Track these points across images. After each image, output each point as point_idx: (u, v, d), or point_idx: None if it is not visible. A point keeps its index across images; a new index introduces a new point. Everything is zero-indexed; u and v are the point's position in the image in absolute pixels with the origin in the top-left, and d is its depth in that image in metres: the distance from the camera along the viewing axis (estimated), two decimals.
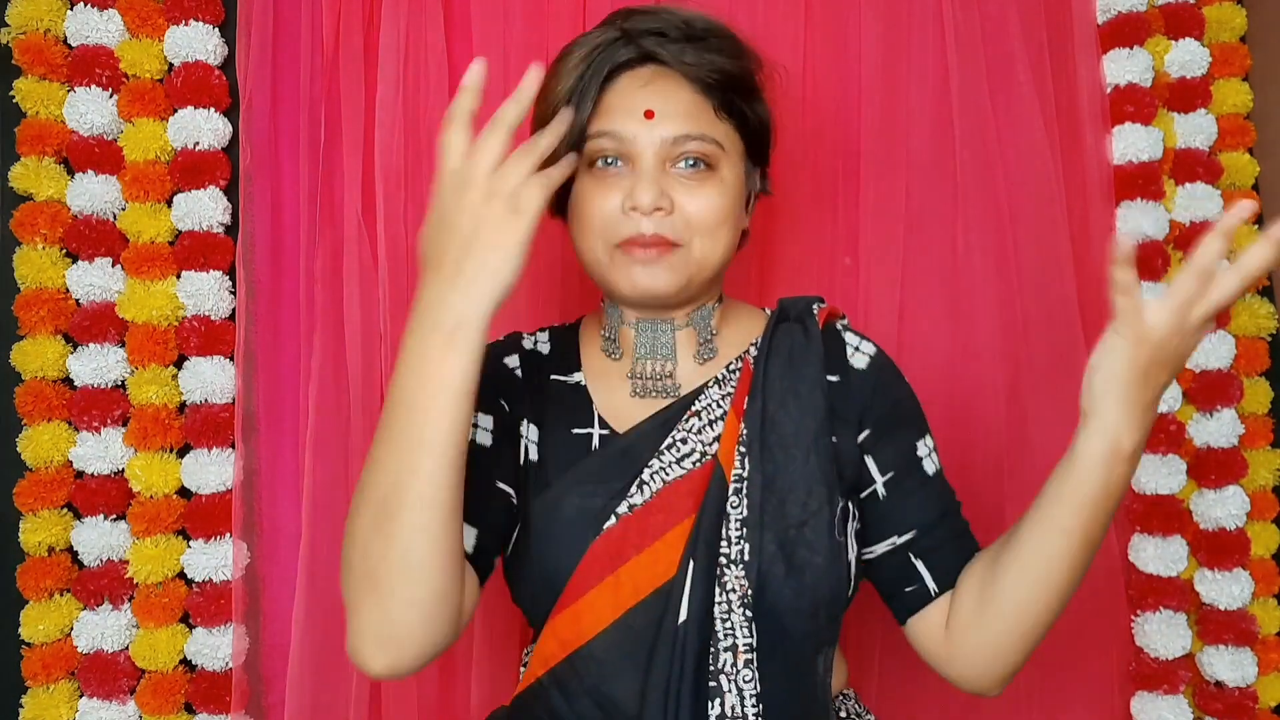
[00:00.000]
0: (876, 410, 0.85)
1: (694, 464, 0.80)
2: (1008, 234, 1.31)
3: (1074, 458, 0.73)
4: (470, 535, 0.79)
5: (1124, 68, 1.35)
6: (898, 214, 1.30)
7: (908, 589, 0.84)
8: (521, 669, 0.89)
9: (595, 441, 0.84)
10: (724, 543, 0.78)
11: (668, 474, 0.80)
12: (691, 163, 0.81)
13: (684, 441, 0.81)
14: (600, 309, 0.93)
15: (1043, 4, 1.36)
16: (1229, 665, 1.27)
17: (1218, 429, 1.31)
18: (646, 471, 0.80)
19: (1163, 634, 1.27)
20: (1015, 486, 1.27)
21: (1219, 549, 1.29)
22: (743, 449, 0.80)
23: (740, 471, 0.79)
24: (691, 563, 0.76)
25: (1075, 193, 1.35)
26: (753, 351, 0.86)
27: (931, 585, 0.83)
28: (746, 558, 0.77)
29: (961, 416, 1.26)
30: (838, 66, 1.32)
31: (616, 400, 0.86)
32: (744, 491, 0.79)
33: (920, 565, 0.83)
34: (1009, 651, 0.78)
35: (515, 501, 0.83)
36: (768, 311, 0.93)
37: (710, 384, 0.84)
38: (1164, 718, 1.27)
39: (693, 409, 0.83)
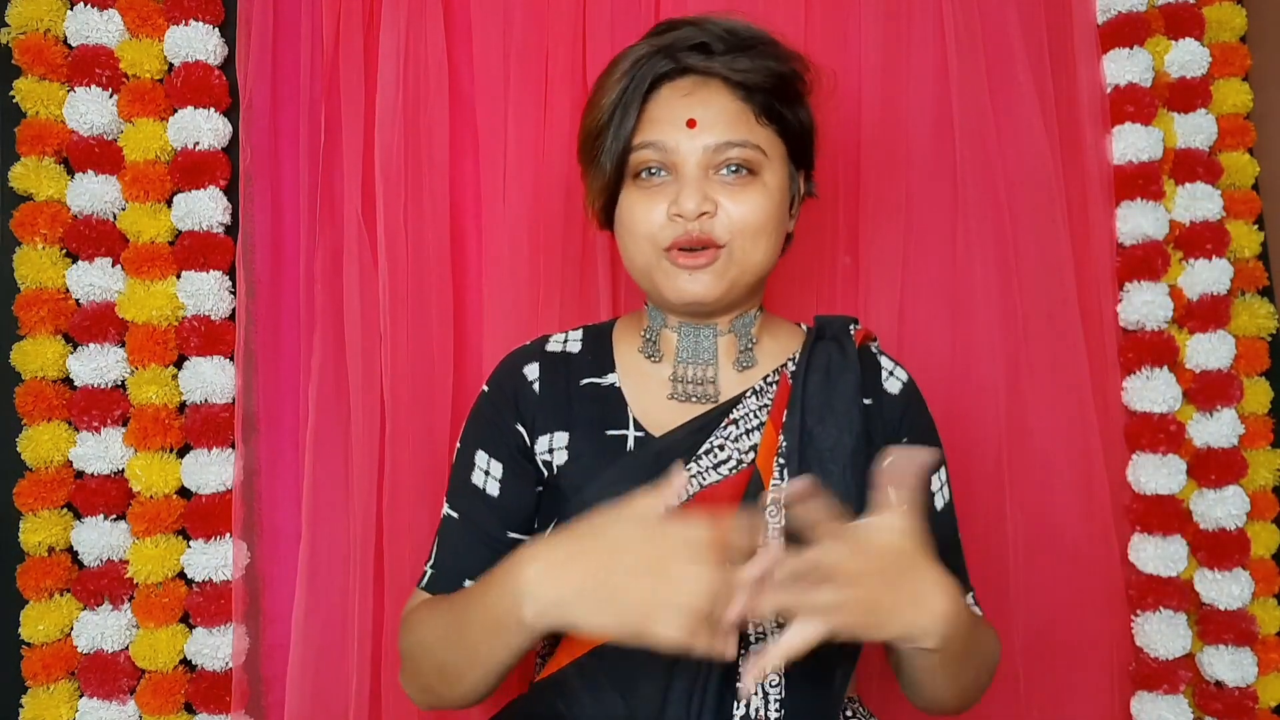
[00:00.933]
0: (902, 439, 0.87)
1: (730, 471, 0.82)
2: (1008, 234, 1.31)
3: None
4: None
5: (1124, 68, 1.35)
6: (898, 214, 1.30)
7: None
8: (538, 660, 0.90)
9: (630, 443, 0.85)
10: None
11: (705, 479, 0.81)
12: (734, 169, 0.82)
13: (721, 448, 0.83)
14: (639, 311, 0.95)
15: (1043, 4, 1.36)
16: (1229, 665, 1.27)
17: (1218, 429, 1.31)
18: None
19: (1163, 634, 1.27)
20: (1015, 486, 1.27)
21: (1219, 549, 1.29)
22: (781, 460, 0.82)
23: (779, 482, 0.81)
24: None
25: (1075, 193, 1.35)
26: (790, 366, 0.87)
27: None
28: None
29: (961, 416, 1.26)
30: (838, 66, 1.32)
31: (652, 403, 0.87)
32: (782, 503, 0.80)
33: None
34: (941, 710, 0.85)
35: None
36: (804, 327, 0.95)
37: (748, 394, 0.85)
38: (1164, 718, 1.27)
39: (730, 417, 0.84)
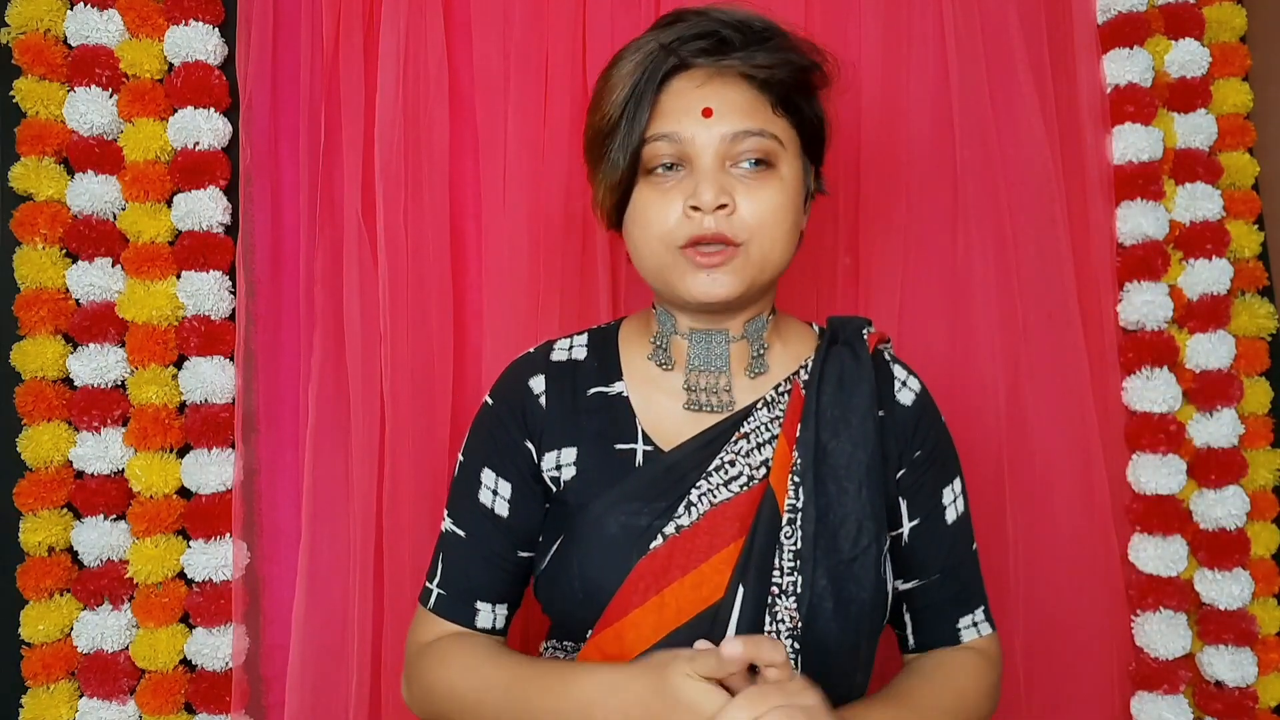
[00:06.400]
0: (915, 452, 0.86)
1: (742, 487, 0.80)
2: (1008, 234, 1.31)
3: None
4: (502, 611, 0.87)
5: (1124, 68, 1.35)
6: (898, 214, 1.30)
7: (896, 629, 0.90)
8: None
9: (639, 458, 0.83)
10: (776, 572, 0.77)
11: (715, 496, 0.79)
12: (753, 162, 0.79)
13: (732, 464, 0.81)
14: (645, 313, 0.92)
15: (1043, 4, 1.36)
16: (1229, 665, 1.27)
17: (1218, 429, 1.31)
18: (694, 493, 0.79)
19: (1163, 634, 1.27)
20: (1015, 486, 1.27)
21: (1219, 549, 1.29)
22: (796, 478, 0.80)
23: (794, 501, 0.79)
24: (741, 588, 0.76)
25: (1075, 193, 1.34)
26: (803, 375, 0.85)
27: (910, 641, 0.90)
28: (799, 590, 0.77)
29: (961, 416, 1.25)
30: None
31: (661, 413, 0.85)
32: (798, 523, 0.78)
33: (907, 617, 0.89)
34: None
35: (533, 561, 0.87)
36: (815, 328, 0.93)
37: (759, 405, 0.83)
38: (1164, 718, 1.27)
39: (741, 430, 0.82)
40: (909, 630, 0.89)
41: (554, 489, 0.85)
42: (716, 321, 0.85)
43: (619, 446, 0.83)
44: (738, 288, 0.79)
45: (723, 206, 0.77)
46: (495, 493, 0.85)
